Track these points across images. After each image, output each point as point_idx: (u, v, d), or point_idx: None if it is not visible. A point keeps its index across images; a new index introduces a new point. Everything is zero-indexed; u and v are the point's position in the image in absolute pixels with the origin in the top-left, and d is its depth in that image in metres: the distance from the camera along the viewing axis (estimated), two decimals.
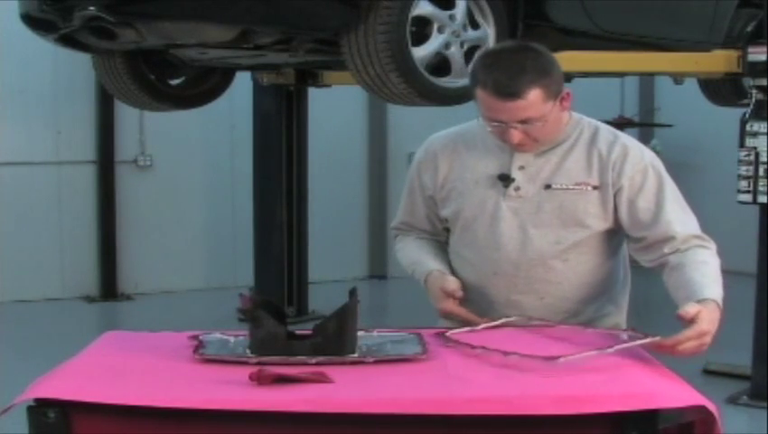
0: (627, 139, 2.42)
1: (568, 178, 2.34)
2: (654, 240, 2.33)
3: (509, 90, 2.21)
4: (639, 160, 2.36)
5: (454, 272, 2.47)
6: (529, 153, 2.35)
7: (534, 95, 2.22)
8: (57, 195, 7.42)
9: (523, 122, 2.25)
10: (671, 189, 2.38)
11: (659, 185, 2.36)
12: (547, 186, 2.34)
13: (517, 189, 2.35)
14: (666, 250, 2.31)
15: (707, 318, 2.09)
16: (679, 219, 2.35)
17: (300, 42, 4.60)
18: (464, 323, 2.32)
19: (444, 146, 2.47)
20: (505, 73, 2.23)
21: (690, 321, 2.07)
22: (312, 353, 1.94)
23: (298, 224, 6.80)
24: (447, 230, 2.52)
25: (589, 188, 2.33)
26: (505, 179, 2.36)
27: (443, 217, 2.49)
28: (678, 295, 2.23)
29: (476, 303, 2.39)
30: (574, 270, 2.36)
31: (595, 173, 2.34)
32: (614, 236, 2.39)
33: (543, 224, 2.34)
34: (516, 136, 2.26)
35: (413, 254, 2.55)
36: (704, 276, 2.23)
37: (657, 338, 2.05)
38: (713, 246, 2.35)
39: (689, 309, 2.09)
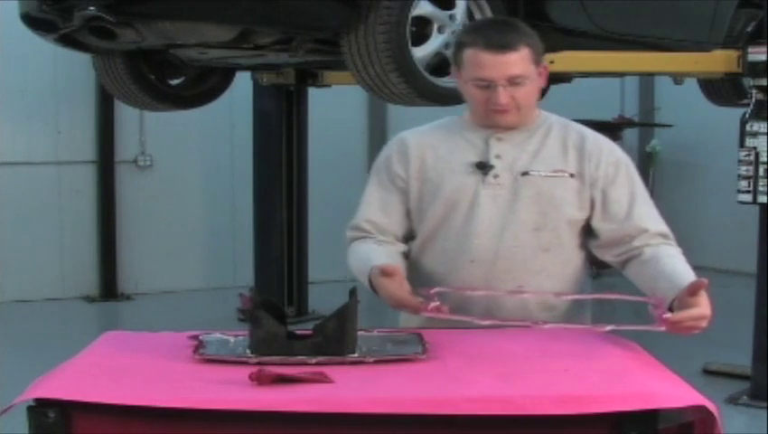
0: (597, 134, 2.46)
1: (545, 165, 2.36)
2: (625, 234, 2.35)
3: (502, 42, 2.27)
4: (611, 153, 2.41)
5: (423, 267, 2.41)
6: (506, 142, 2.36)
7: (524, 51, 2.29)
8: (57, 195, 7.41)
9: (511, 81, 2.27)
10: (641, 185, 2.43)
11: (631, 180, 2.41)
12: (525, 173, 2.35)
13: (495, 176, 2.36)
14: (636, 243, 2.34)
15: (707, 302, 2.11)
16: (651, 214, 2.39)
17: (300, 42, 4.60)
18: (411, 311, 2.27)
19: (415, 139, 2.46)
20: (496, 30, 2.33)
21: (694, 293, 2.08)
22: (312, 353, 1.94)
23: (298, 224, 6.80)
24: (411, 238, 2.46)
25: (566, 175, 2.36)
26: (483, 167, 2.36)
27: (414, 209, 2.43)
28: (658, 284, 2.24)
29: (451, 294, 2.33)
30: (552, 261, 2.37)
31: (572, 161, 2.37)
32: (584, 231, 2.41)
33: (522, 211, 2.34)
34: (504, 95, 2.28)
35: (362, 256, 2.41)
36: (686, 268, 2.28)
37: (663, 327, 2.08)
38: (678, 247, 2.39)
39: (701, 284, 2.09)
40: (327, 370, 1.86)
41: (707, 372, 5.23)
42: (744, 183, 4.87)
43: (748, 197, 4.87)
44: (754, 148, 4.84)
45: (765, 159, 4.80)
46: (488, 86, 2.30)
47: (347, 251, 2.50)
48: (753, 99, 4.91)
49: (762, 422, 4.45)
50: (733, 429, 4.19)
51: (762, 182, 4.80)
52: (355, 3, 4.16)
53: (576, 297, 2.36)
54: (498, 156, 2.37)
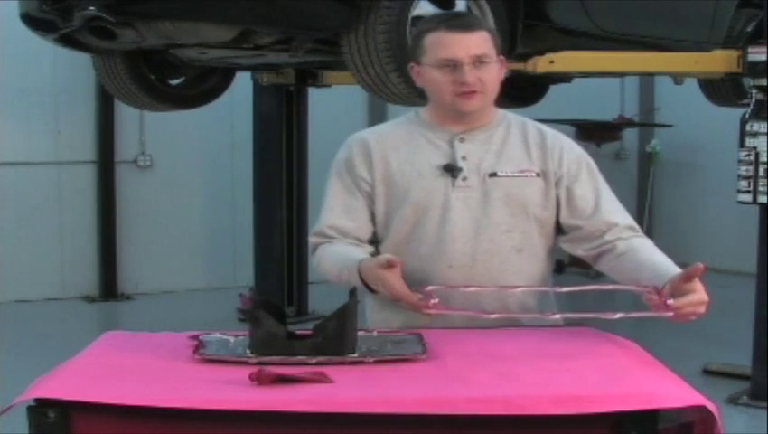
0: (555, 131, 2.46)
1: (511, 166, 2.36)
2: (595, 228, 2.35)
3: (463, 23, 2.34)
4: (571, 150, 2.42)
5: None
6: (469, 142, 2.36)
7: (485, 34, 2.32)
8: (57, 195, 7.42)
9: (476, 60, 2.28)
10: (603, 180, 2.44)
11: (593, 176, 2.41)
12: (493, 174, 2.35)
13: (464, 179, 2.35)
14: (608, 237, 2.35)
15: (702, 287, 2.10)
16: (617, 209, 2.40)
17: (300, 42, 4.61)
18: (411, 307, 2.21)
19: (376, 140, 2.42)
20: (455, 16, 2.46)
21: (690, 279, 2.07)
22: (312, 353, 1.94)
23: (298, 224, 6.79)
24: (374, 242, 2.43)
25: (533, 175, 2.36)
26: (452, 169, 2.35)
27: (381, 213, 2.40)
28: (640, 275, 2.24)
29: (438, 291, 2.31)
30: (526, 261, 2.36)
31: (536, 160, 2.37)
32: (552, 231, 2.41)
33: (494, 213, 2.34)
34: (470, 74, 2.28)
35: (339, 255, 2.36)
36: (666, 259, 2.27)
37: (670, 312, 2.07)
38: (648, 239, 2.40)
39: (697, 270, 2.08)
40: (327, 370, 1.86)
41: (707, 372, 5.23)
42: (744, 183, 4.87)
43: (748, 197, 4.88)
44: (754, 148, 4.84)
45: (765, 159, 4.81)
46: (453, 67, 2.29)
47: (314, 256, 2.44)
48: (753, 99, 4.91)
49: (762, 422, 4.45)
50: (733, 429, 4.19)
51: (762, 182, 4.81)
52: (355, 3, 4.16)
53: (575, 289, 2.32)
54: (464, 158, 2.36)
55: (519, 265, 2.36)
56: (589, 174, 2.40)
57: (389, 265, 2.20)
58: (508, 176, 2.35)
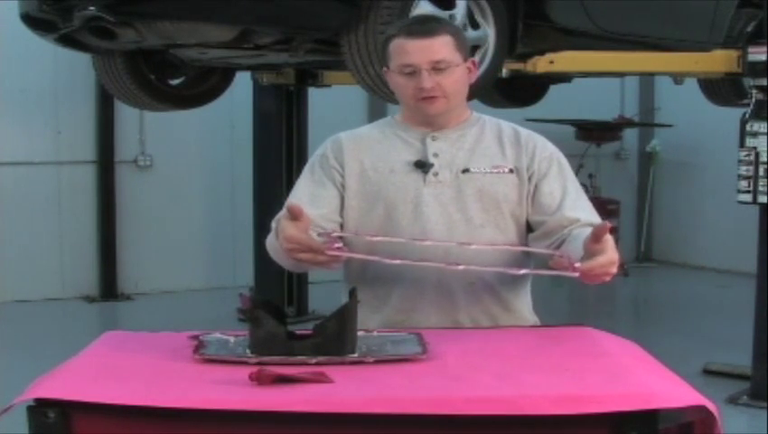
0: (530, 130, 2.48)
1: (484, 162, 2.38)
2: (557, 224, 2.35)
3: (423, 29, 2.34)
4: (544, 148, 2.43)
5: (371, 268, 2.35)
6: (441, 140, 2.38)
7: (446, 39, 2.33)
8: (57, 195, 7.41)
9: (435, 66, 2.30)
10: (574, 179, 2.45)
11: (563, 174, 2.42)
12: (465, 170, 2.37)
13: (436, 174, 2.37)
14: (565, 231, 2.33)
15: (614, 247, 2.10)
16: (583, 206, 2.40)
17: (300, 42, 4.61)
18: (307, 249, 2.17)
19: (350, 139, 2.47)
20: (419, 21, 2.45)
21: (599, 239, 2.07)
22: (312, 353, 1.94)
23: None
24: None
25: (506, 171, 2.38)
26: (423, 165, 2.37)
27: (355, 209, 2.39)
28: (567, 247, 2.23)
29: (405, 292, 2.35)
30: (500, 256, 2.36)
31: (510, 157, 2.39)
32: (525, 223, 2.41)
33: (467, 208, 2.36)
34: (428, 80, 2.30)
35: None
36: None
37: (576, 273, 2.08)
38: None
39: (605, 228, 2.08)
40: (327, 370, 1.86)
41: (707, 372, 5.23)
42: (744, 184, 4.87)
43: (748, 197, 4.88)
44: (754, 148, 4.84)
45: (765, 159, 4.80)
46: (413, 73, 2.32)
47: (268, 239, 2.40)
48: (753, 99, 4.91)
49: (762, 422, 4.45)
50: (733, 429, 4.18)
51: (762, 182, 4.81)
52: (355, 3, 4.16)
53: (500, 247, 2.34)
54: (435, 155, 2.38)
55: (492, 259, 2.33)
56: (559, 171, 2.41)
57: (292, 214, 2.15)
58: (481, 172, 2.37)
